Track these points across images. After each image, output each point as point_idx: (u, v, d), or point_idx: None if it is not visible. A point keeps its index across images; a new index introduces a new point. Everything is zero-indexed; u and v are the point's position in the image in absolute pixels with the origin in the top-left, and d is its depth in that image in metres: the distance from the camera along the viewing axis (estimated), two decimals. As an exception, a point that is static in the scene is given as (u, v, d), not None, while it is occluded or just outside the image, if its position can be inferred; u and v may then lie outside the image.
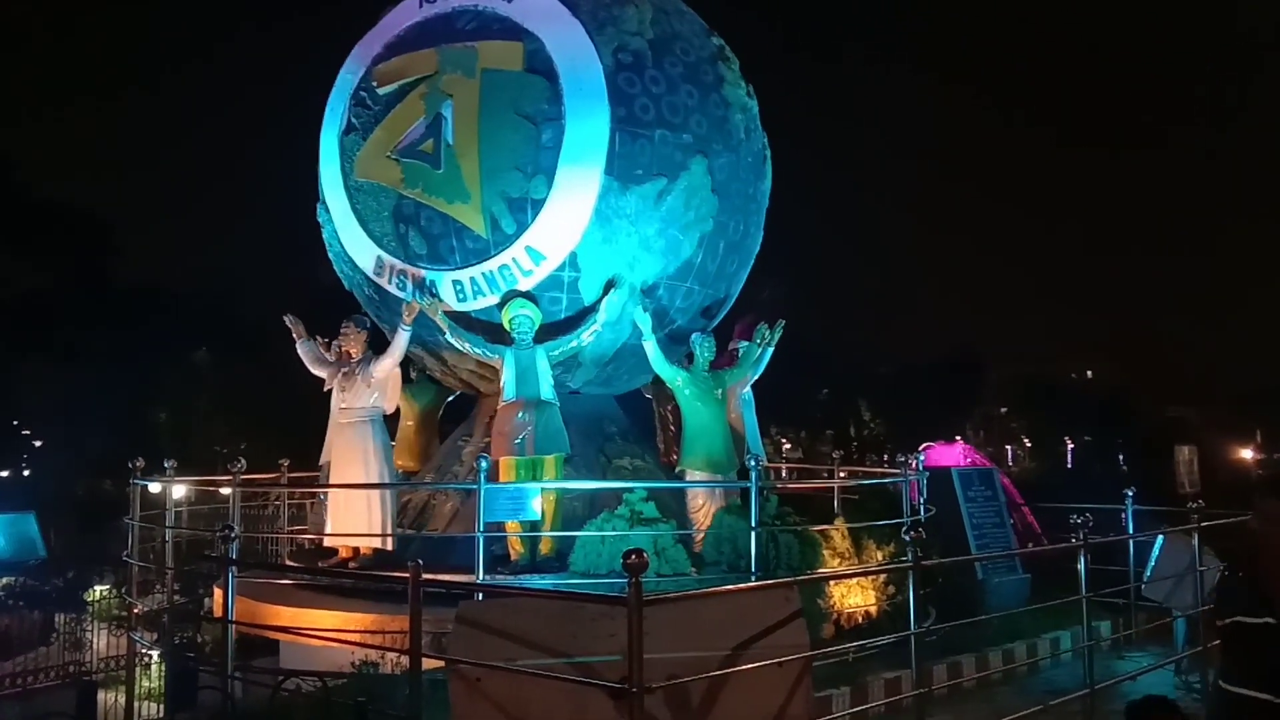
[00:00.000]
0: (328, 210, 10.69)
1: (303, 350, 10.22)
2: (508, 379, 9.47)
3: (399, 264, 10.12)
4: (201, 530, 12.75)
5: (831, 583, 8.91)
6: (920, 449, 22.34)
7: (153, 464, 11.48)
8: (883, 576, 9.27)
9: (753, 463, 8.64)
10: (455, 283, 9.88)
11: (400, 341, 9.77)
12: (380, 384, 9.79)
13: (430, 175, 9.82)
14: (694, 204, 10.18)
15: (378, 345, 10.31)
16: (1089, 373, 62.13)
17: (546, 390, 9.49)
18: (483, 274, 9.81)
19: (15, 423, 29.95)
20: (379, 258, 10.23)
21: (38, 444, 29.47)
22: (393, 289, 10.20)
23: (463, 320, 9.93)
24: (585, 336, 9.91)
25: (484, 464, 8.18)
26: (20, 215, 28.14)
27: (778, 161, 11.56)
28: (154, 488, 12.17)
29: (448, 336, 9.79)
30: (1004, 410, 55.66)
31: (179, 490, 12.70)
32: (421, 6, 10.47)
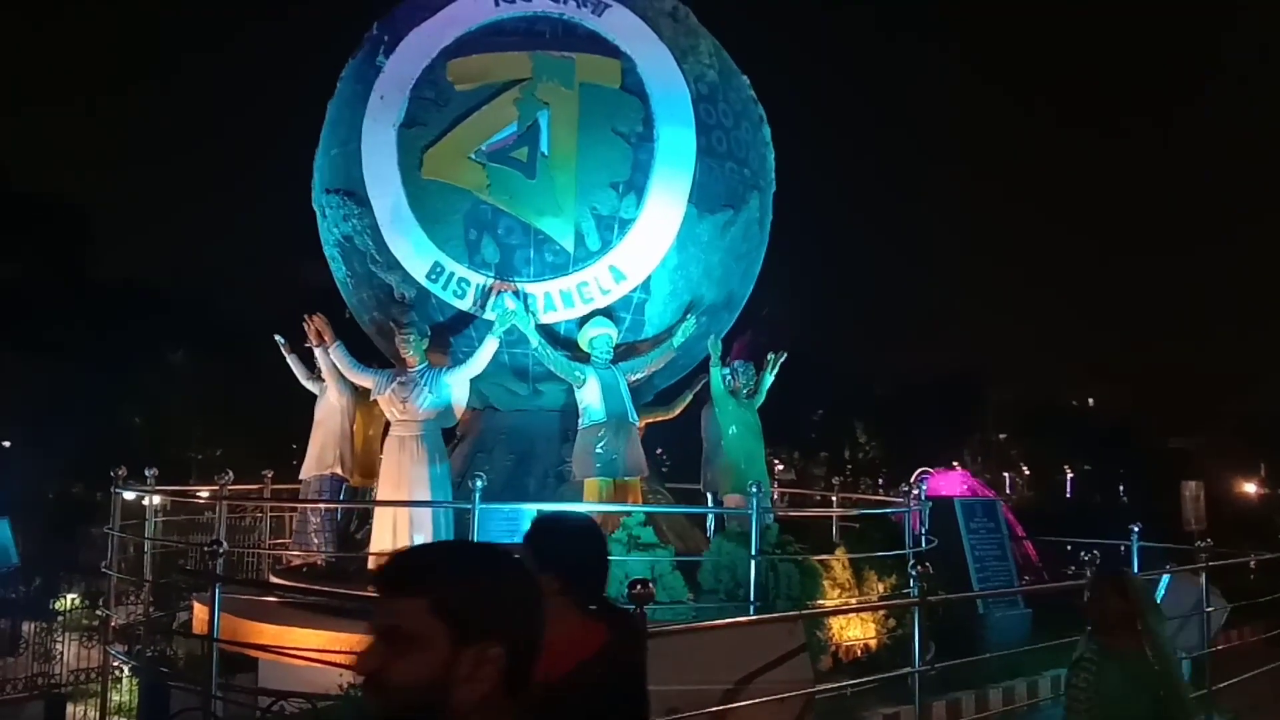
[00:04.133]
0: (359, 204, 10.20)
1: (338, 356, 9.99)
2: (593, 399, 9.61)
3: (462, 270, 9.94)
4: (179, 541, 12.72)
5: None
6: (917, 474, 22.48)
7: (127, 469, 11.42)
8: (883, 609, 9.34)
9: (754, 489, 8.70)
10: (528, 295, 9.94)
11: (488, 350, 9.66)
12: (451, 394, 9.66)
13: (521, 184, 9.79)
14: (749, 236, 10.87)
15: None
16: (1090, 400, 62.44)
17: (631, 411, 9.74)
18: (560, 289, 9.89)
19: (-16, 421, 29.77)
20: (438, 262, 9.98)
21: (6, 444, 29.30)
22: (448, 295, 10.01)
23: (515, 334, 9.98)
24: (661, 360, 10.24)
25: (479, 484, 8.19)
26: (-2, 206, 28.07)
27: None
28: (130, 495, 12.13)
29: (534, 348, 9.77)
30: (1002, 436, 55.88)
31: (156, 498, 12.67)
32: (498, 5, 10.34)
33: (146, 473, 11.03)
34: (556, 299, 9.93)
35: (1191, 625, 9.75)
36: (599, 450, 9.54)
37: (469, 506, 8.24)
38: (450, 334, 10.25)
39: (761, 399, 10.87)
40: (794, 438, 43.50)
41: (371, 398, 9.96)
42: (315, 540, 10.35)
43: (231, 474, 10.17)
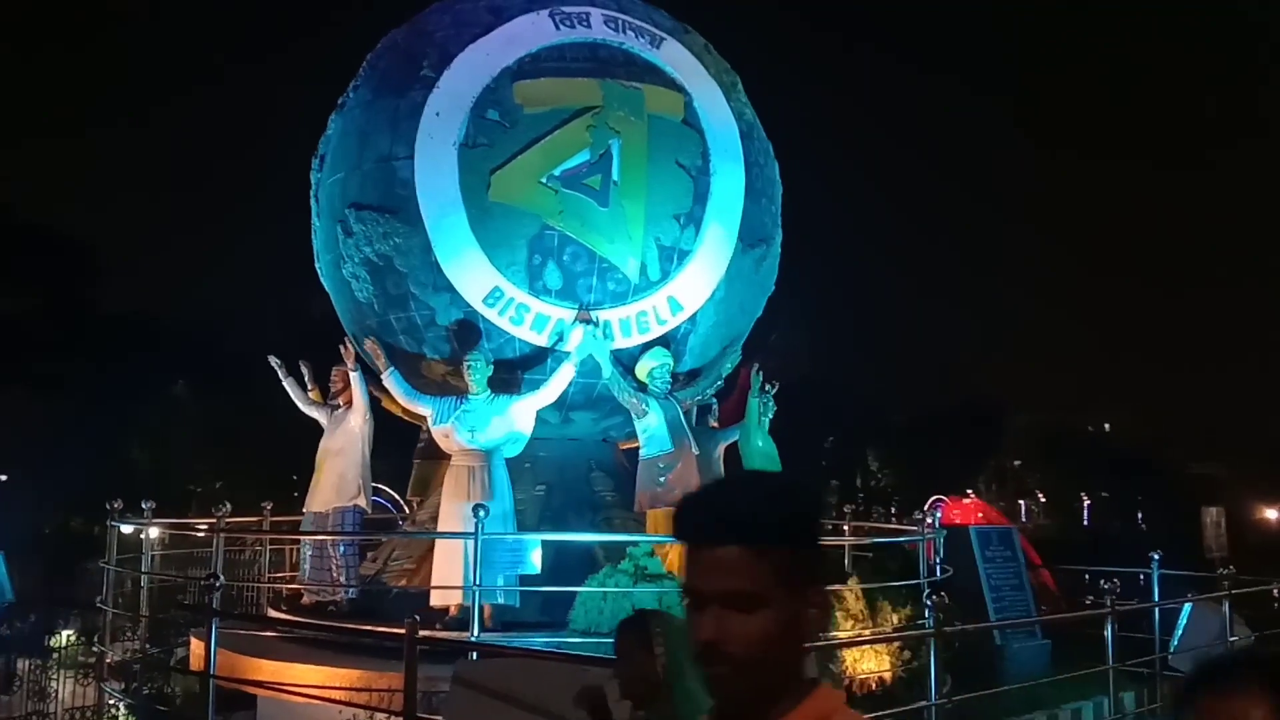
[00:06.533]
0: (404, 222, 9.85)
1: (391, 383, 9.69)
2: (658, 430, 9.64)
3: (523, 296, 9.81)
4: (176, 575, 12.64)
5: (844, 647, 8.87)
6: (930, 502, 22.39)
7: (126, 502, 11.36)
8: (898, 641, 9.24)
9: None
10: (604, 323, 9.94)
11: (563, 378, 9.56)
12: (519, 422, 9.48)
13: (593, 211, 9.81)
14: (773, 270, 11.37)
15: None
16: (1107, 426, 62.17)
17: (693, 441, 9.81)
18: (619, 318, 9.95)
19: (-20, 455, 29.78)
20: (498, 287, 9.79)
21: (4, 478, 29.32)
22: (504, 321, 9.85)
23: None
24: (711, 390, 10.58)
25: (482, 515, 8.11)
26: (-1, 238, 28.22)
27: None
28: (127, 529, 12.07)
29: (606, 377, 9.73)
30: (1018, 463, 55.59)
31: (153, 531, 12.60)
32: (559, 28, 10.31)
33: (143, 505, 10.94)
34: (615, 327, 9.96)
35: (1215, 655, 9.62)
36: (665, 480, 9.54)
37: (471, 536, 8.17)
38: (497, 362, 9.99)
39: (766, 428, 10.93)
40: (804, 465, 43.35)
41: (432, 426, 9.63)
42: (339, 577, 9.90)
43: (229, 506, 10.06)
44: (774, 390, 11.14)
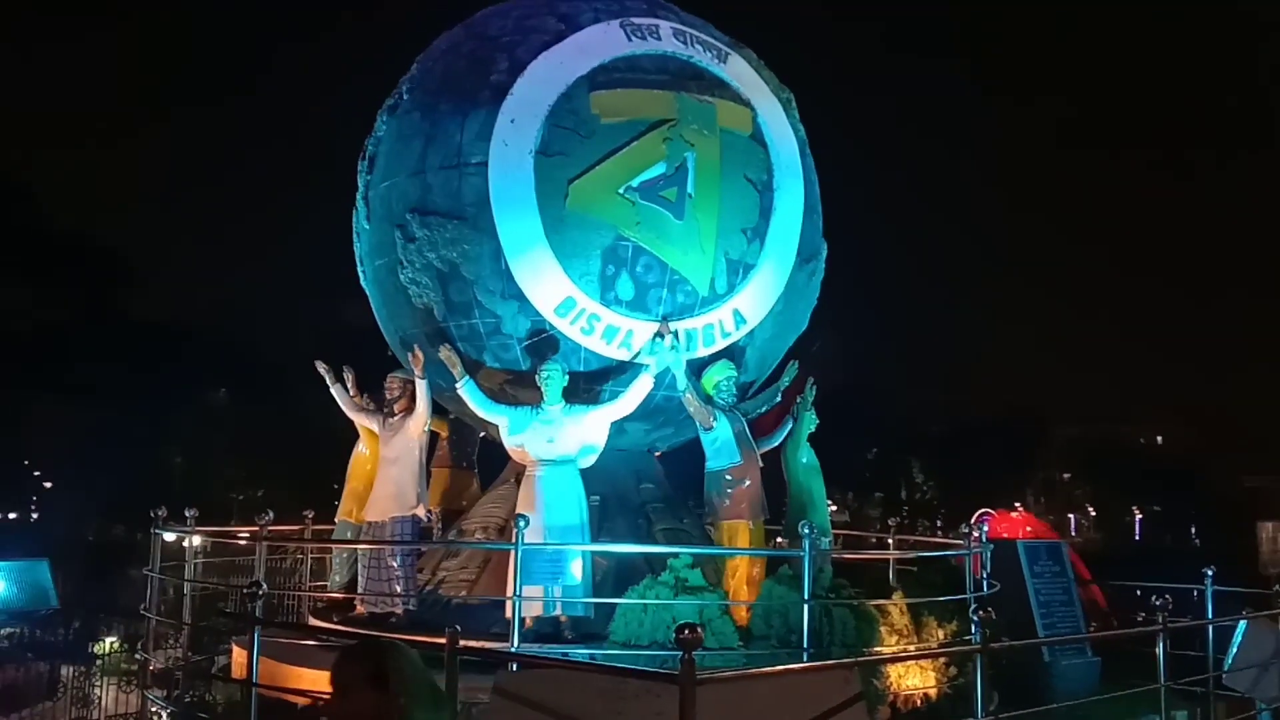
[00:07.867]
0: (474, 229, 9.84)
1: (467, 392, 9.66)
2: (726, 442, 9.77)
3: (594, 306, 9.87)
4: (218, 583, 12.80)
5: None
6: (977, 516, 22.25)
7: (167, 509, 11.51)
8: (943, 657, 9.20)
9: (806, 530, 8.62)
10: (678, 334, 10.06)
11: (641, 390, 9.63)
12: (595, 433, 9.54)
13: (669, 224, 9.96)
14: (818, 286, 11.62)
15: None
16: (1159, 437, 61.40)
17: (757, 452, 9.99)
18: (685, 330, 10.10)
19: (26, 462, 30.34)
20: (570, 297, 9.83)
21: (48, 485, 29.87)
22: (574, 332, 9.88)
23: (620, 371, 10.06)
24: (768, 404, 10.78)
25: (522, 524, 8.20)
26: (36, 246, 28.79)
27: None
28: (169, 536, 12.25)
29: (681, 390, 9.80)
30: (1066, 475, 55.07)
31: (195, 539, 12.78)
32: (630, 40, 10.44)
33: (186, 513, 11.05)
34: (681, 340, 10.06)
35: (1271, 674, 9.52)
36: (732, 493, 9.71)
37: (505, 547, 8.23)
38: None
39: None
40: (848, 478, 43.13)
41: (508, 437, 9.60)
42: (398, 589, 9.84)
43: (271, 514, 10.14)
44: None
